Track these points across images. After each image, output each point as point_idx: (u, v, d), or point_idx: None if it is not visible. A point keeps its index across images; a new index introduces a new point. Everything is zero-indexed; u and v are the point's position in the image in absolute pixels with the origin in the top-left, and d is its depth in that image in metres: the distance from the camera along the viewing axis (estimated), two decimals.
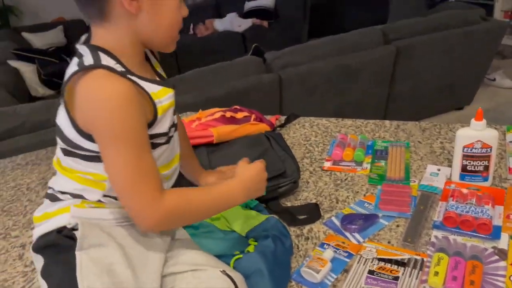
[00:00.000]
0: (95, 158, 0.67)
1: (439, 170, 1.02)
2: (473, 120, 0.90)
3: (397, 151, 1.13)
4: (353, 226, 0.88)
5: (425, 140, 1.18)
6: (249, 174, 0.79)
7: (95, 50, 0.66)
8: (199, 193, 0.76)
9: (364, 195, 0.98)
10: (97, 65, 0.64)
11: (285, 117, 1.41)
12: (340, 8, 5.59)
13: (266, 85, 2.47)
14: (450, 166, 1.05)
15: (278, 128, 1.35)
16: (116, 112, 0.63)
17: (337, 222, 0.91)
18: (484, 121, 0.89)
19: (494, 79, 3.64)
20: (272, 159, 1.07)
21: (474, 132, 0.91)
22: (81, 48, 0.67)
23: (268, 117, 1.40)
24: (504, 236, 0.80)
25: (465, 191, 0.91)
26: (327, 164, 1.12)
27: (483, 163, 0.92)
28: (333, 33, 6.19)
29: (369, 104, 2.83)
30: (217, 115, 1.30)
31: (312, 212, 0.94)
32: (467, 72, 3.11)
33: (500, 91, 3.56)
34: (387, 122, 1.31)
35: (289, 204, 0.99)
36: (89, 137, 0.65)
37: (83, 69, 0.63)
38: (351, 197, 0.98)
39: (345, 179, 1.05)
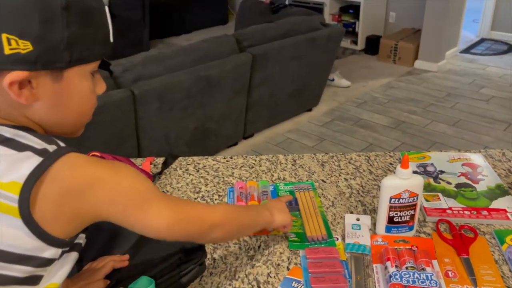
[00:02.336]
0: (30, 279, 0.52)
1: (358, 220, 0.90)
2: (399, 168, 0.80)
3: (306, 197, 0.98)
4: None
5: (328, 178, 1.07)
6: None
7: (30, 131, 0.53)
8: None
9: (288, 269, 0.80)
10: (67, 150, 0.53)
11: (162, 159, 1.14)
12: (179, 8, 5.36)
13: (117, 103, 2.11)
14: (365, 212, 0.94)
15: (157, 177, 1.07)
16: (131, 178, 0.57)
17: None
18: (410, 168, 0.80)
19: (333, 80, 3.92)
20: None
21: (402, 181, 0.81)
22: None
23: (140, 164, 1.12)
24: None
25: (398, 249, 0.80)
26: None
27: (409, 212, 0.83)
28: (175, 34, 5.95)
29: (231, 115, 2.71)
30: None
31: None
32: (313, 75, 3.24)
33: (339, 91, 3.85)
34: (281, 157, 1.16)
35: None
36: (55, 242, 0.51)
37: (52, 160, 0.50)
38: (273, 275, 0.79)
39: (259, 247, 0.85)
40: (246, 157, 1.16)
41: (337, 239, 0.86)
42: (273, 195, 1.00)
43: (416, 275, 0.73)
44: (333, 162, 1.14)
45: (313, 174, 1.08)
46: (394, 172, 0.82)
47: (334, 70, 3.90)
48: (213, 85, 2.46)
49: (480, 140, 3.00)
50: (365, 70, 4.33)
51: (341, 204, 0.97)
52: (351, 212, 0.94)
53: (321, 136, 3.10)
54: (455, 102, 3.59)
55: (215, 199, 1.00)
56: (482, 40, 4.98)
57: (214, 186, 1.04)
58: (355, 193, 1.01)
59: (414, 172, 1.04)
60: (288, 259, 0.82)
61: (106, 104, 2.05)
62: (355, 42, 4.79)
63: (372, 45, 4.62)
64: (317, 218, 0.91)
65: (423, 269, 0.74)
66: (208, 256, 0.83)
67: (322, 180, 1.06)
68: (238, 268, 0.80)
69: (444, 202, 0.95)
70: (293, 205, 0.96)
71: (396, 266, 0.75)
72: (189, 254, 0.76)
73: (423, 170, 1.07)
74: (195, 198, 1.00)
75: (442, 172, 1.06)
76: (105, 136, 2.14)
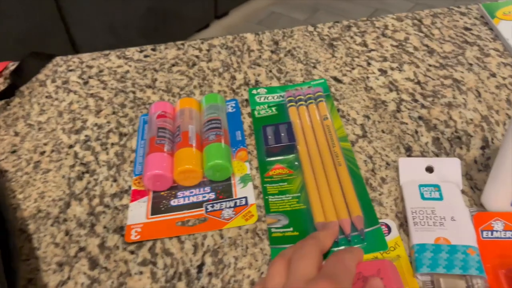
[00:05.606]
0: None
1: (431, 171, 0.39)
2: None
3: (314, 121, 0.45)
4: None
5: (347, 72, 0.52)
6: None
7: None
8: None
9: None
10: None
11: (13, 64, 0.58)
12: None
13: None
14: (443, 149, 0.42)
15: None
16: None
17: None
18: None
19: None
20: None
21: None
22: None
23: None
24: None
25: None
26: (134, 219, 0.39)
27: None
28: None
29: None
30: None
31: None
32: None
33: None
34: (250, 37, 0.59)
35: None
36: None
37: None
38: None
39: (208, 250, 0.35)
40: (183, 44, 0.60)
41: (387, 228, 0.36)
42: (237, 127, 0.47)
43: None
44: (351, 37, 0.58)
45: (314, 67, 0.54)
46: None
47: None
48: None
49: None
50: None
51: (381, 131, 0.45)
52: (408, 151, 0.42)
53: (314, 6, 2.45)
54: None
55: (110, 144, 0.47)
56: None
57: (114, 112, 0.50)
58: (409, 101, 0.47)
59: None
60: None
61: None
62: None
63: None
64: (337, 173, 0.39)
65: None
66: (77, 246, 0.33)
67: (335, 79, 0.52)
68: None
69: None
70: (283, 142, 0.43)
71: None
72: None
73: None
74: (72, 145, 0.47)
75: None
76: (22, 33, 1.55)
